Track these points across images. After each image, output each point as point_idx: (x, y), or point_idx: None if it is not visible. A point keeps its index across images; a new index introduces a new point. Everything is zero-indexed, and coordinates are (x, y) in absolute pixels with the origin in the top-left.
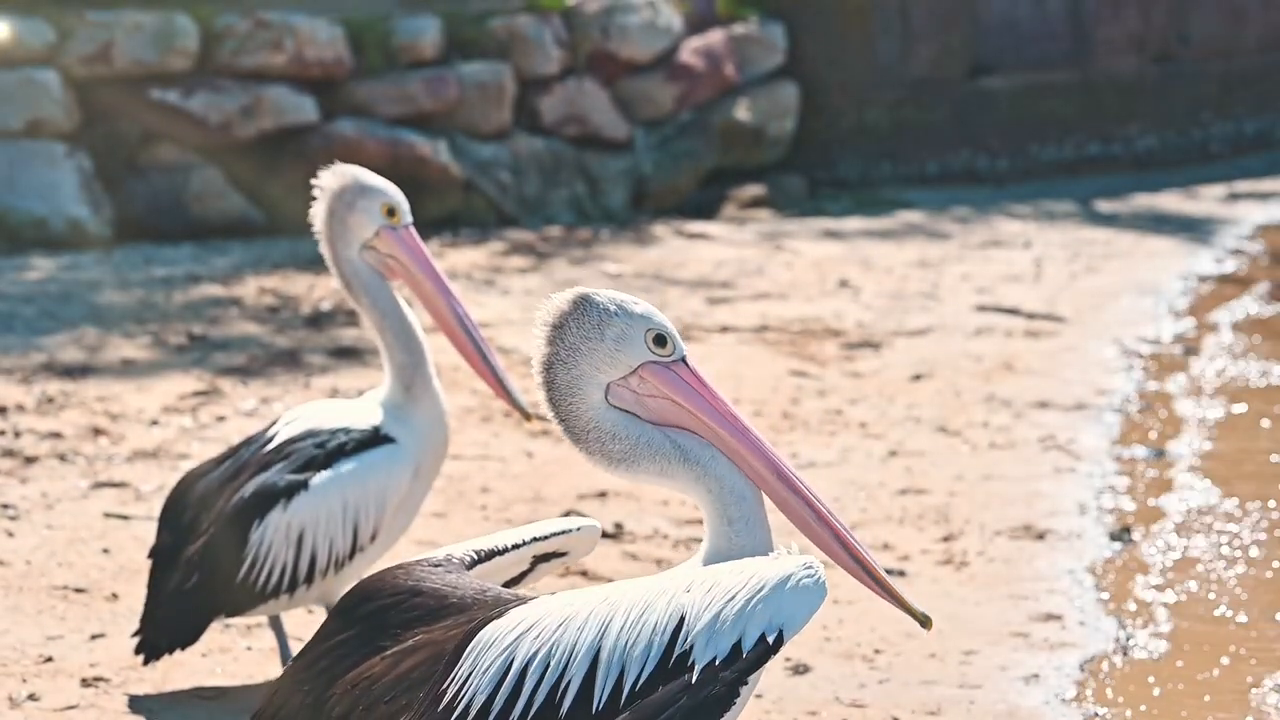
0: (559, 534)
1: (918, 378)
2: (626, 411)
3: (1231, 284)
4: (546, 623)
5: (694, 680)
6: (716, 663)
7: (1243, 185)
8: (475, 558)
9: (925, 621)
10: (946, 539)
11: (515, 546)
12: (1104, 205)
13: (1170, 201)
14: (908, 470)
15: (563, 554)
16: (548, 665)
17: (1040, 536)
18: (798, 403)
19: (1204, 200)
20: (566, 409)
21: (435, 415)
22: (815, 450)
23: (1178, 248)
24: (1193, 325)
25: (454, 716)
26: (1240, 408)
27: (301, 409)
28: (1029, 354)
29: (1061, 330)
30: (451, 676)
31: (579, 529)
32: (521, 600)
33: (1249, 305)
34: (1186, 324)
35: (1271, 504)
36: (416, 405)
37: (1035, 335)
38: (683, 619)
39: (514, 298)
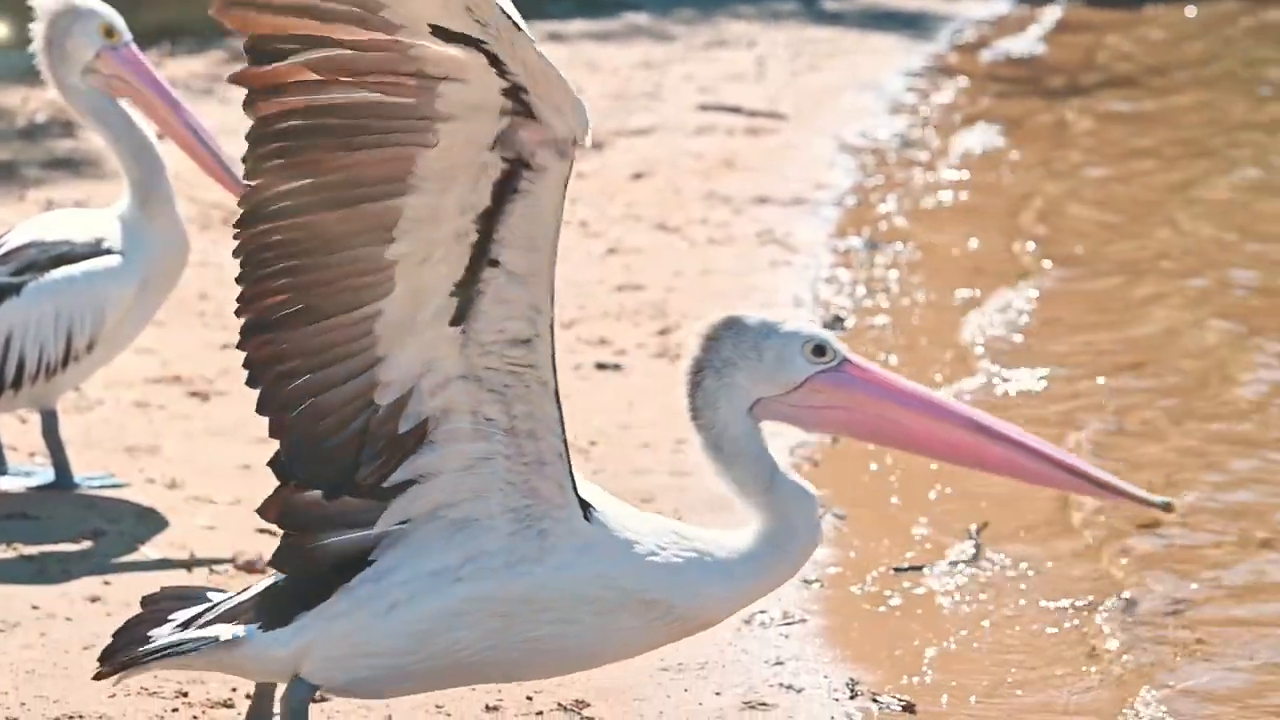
0: None
1: (638, 176)
2: (760, 424)
3: (949, 78)
4: None
5: None
6: None
7: None
8: None
9: (1168, 507)
10: (663, 332)
11: None
12: (829, 4)
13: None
14: (626, 267)
15: None
16: None
17: None
18: None
19: None
20: (703, 405)
21: (170, 232)
22: None
23: (899, 45)
24: (910, 119)
25: None
26: (950, 199)
27: (37, 218)
28: (750, 151)
29: (782, 128)
30: None
31: None
32: None
33: (965, 99)
34: (905, 119)
35: (976, 290)
36: (152, 222)
37: (756, 133)
38: None
39: (234, 106)
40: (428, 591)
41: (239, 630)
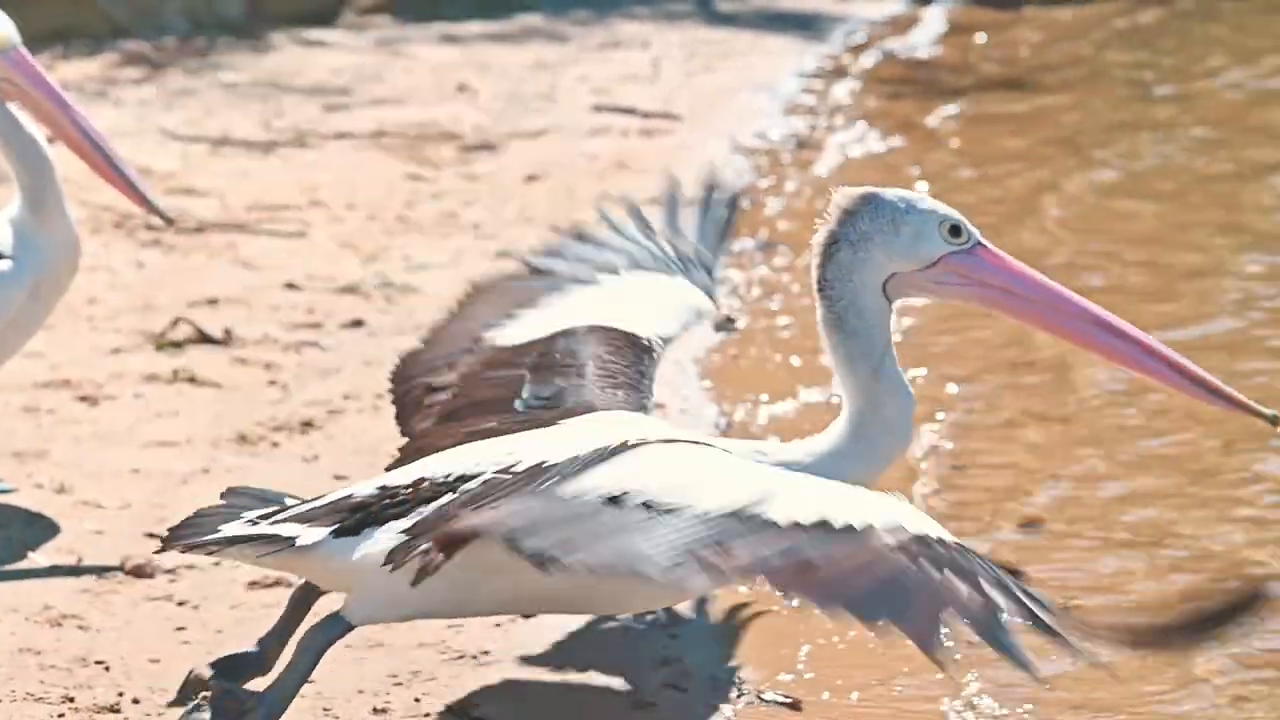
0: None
1: (532, 179)
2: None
3: (842, 79)
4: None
5: None
6: None
7: None
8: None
9: (1275, 421)
10: None
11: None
12: (724, 5)
13: (788, 1)
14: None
15: None
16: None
17: None
18: (412, 206)
19: None
20: (834, 277)
21: (62, 237)
22: (429, 253)
23: (793, 45)
24: (805, 120)
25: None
26: None
27: None
28: (644, 152)
29: (677, 128)
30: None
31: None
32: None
33: (858, 100)
34: (799, 119)
35: None
36: (43, 226)
37: (650, 134)
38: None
39: (128, 109)
40: None
41: (311, 533)
